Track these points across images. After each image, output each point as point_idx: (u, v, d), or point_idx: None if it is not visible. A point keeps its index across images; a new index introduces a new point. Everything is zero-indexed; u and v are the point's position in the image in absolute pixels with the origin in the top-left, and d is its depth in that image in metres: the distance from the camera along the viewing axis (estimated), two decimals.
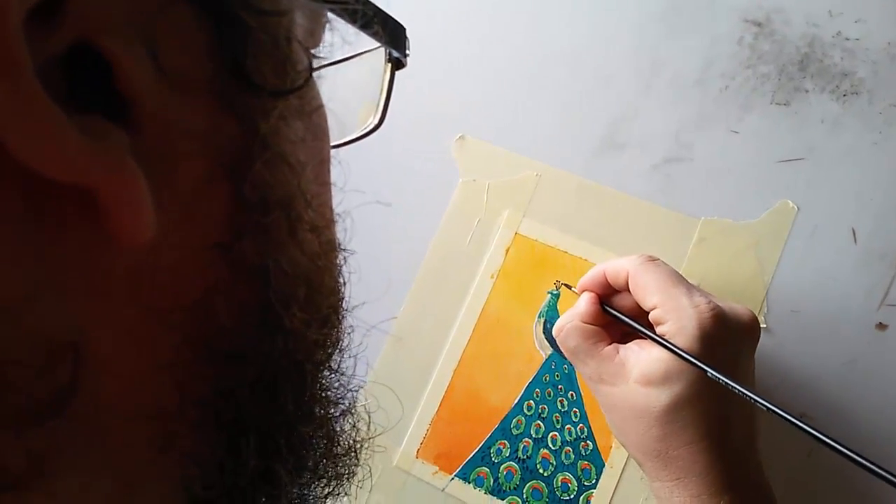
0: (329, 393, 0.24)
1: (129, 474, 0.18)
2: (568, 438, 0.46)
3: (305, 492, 0.24)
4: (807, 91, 0.47)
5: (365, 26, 0.21)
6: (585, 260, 0.48)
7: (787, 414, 0.32)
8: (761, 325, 0.44)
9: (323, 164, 0.23)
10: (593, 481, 0.45)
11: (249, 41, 0.17)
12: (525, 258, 0.49)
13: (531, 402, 0.47)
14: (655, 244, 0.47)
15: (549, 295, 0.47)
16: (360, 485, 0.28)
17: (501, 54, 0.53)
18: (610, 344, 0.39)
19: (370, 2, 0.21)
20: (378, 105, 0.29)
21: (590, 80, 0.51)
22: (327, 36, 0.22)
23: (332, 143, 0.27)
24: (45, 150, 0.13)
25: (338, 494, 0.26)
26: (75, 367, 0.15)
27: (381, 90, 0.28)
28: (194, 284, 0.18)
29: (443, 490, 0.46)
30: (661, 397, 0.35)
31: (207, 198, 0.17)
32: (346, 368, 0.26)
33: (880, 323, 0.43)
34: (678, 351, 0.35)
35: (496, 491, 0.46)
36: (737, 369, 0.37)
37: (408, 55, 0.26)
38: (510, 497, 0.45)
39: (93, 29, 0.14)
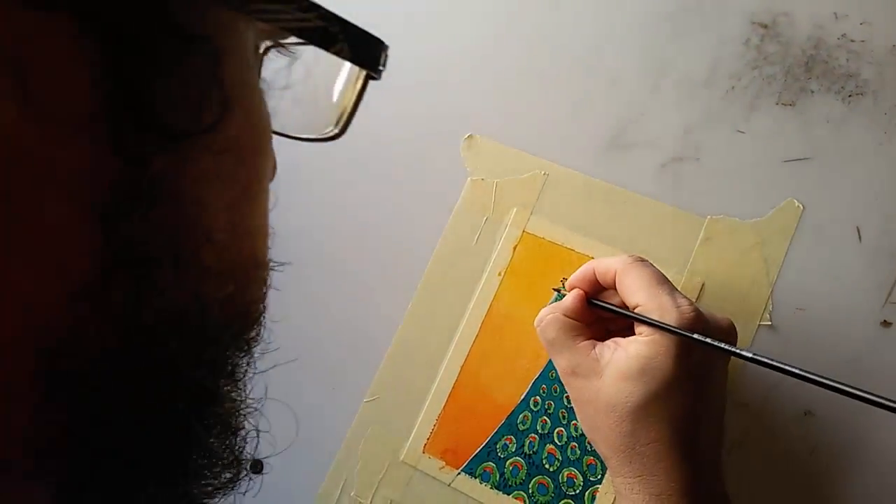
0: (211, 421, 0.23)
1: None
2: (574, 434, 0.46)
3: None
4: (812, 92, 0.48)
5: (326, 45, 0.20)
6: (592, 257, 0.48)
7: (768, 358, 0.34)
8: (766, 323, 0.45)
9: (245, 195, 0.21)
10: (599, 476, 0.45)
11: (154, 71, 0.16)
12: (532, 256, 0.49)
13: (537, 398, 0.47)
14: (662, 242, 0.48)
15: (556, 293, 0.48)
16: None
17: (510, 54, 0.53)
18: (588, 339, 0.40)
19: (335, 17, 0.20)
20: (342, 114, 0.27)
21: (598, 80, 0.51)
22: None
23: (288, 135, 0.26)
24: None
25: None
26: None
27: (350, 100, 0.26)
28: (50, 326, 0.17)
29: (449, 485, 0.47)
30: (634, 392, 0.36)
31: (70, 243, 0.16)
32: (249, 393, 0.25)
33: (885, 321, 0.44)
34: (665, 325, 0.36)
35: (502, 486, 0.46)
36: (711, 372, 0.38)
37: (381, 70, 0.24)
38: (516, 492, 0.46)
39: None
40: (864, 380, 0.43)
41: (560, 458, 0.46)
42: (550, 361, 0.47)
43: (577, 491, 0.45)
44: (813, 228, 0.46)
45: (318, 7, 0.19)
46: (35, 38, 0.14)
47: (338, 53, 0.21)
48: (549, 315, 0.42)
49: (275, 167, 0.25)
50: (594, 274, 0.42)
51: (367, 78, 0.25)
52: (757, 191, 0.47)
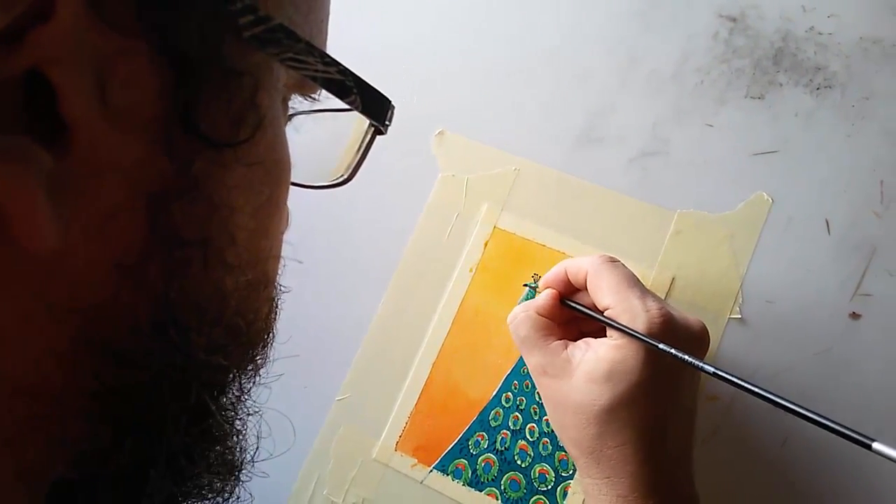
0: (224, 413, 0.26)
1: None
2: (546, 430, 0.46)
3: (182, 499, 0.26)
4: (781, 85, 0.48)
5: (340, 95, 0.24)
6: (563, 253, 0.48)
7: (733, 377, 0.33)
8: (736, 316, 0.45)
9: (267, 208, 0.24)
10: (570, 472, 0.45)
11: (204, 93, 0.20)
12: (504, 252, 0.49)
13: (509, 394, 0.47)
14: (632, 237, 0.47)
15: (527, 288, 0.48)
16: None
17: (481, 50, 0.53)
18: (560, 339, 0.40)
19: (351, 73, 0.24)
20: (351, 162, 0.31)
21: (568, 76, 0.51)
22: None
23: (302, 184, 0.29)
24: None
25: None
26: None
27: (358, 149, 0.31)
28: (93, 293, 0.20)
29: (421, 482, 0.46)
30: (602, 395, 0.36)
31: (121, 223, 0.19)
32: (252, 393, 0.28)
33: (853, 312, 0.44)
34: (632, 332, 0.36)
35: (474, 482, 0.46)
36: (681, 375, 0.38)
37: (388, 125, 0.28)
38: (488, 488, 0.45)
39: (45, 60, 0.16)
40: (833, 372, 0.43)
41: (532, 454, 0.46)
42: (522, 357, 0.47)
43: (550, 487, 0.45)
44: (782, 221, 0.46)
45: (338, 63, 0.23)
46: (118, 53, 0.17)
47: (351, 104, 0.24)
48: (522, 313, 0.41)
49: (288, 217, 0.29)
50: (566, 274, 0.42)
51: (375, 133, 0.29)
52: (726, 184, 0.47)
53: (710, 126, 0.48)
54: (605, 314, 0.39)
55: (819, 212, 0.46)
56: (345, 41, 0.56)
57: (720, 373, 0.34)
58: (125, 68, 0.18)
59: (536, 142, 0.51)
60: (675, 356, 0.35)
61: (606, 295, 0.38)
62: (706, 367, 0.34)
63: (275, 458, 0.49)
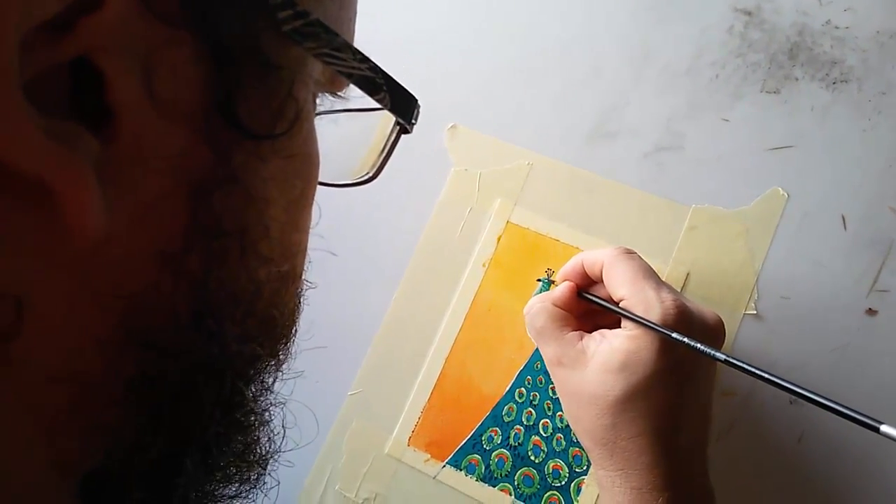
0: (253, 404, 0.26)
1: (33, 427, 0.20)
2: (559, 425, 0.46)
3: (211, 488, 0.26)
4: (797, 79, 0.47)
5: (371, 92, 0.24)
6: (577, 248, 0.48)
7: (744, 363, 0.33)
8: (752, 312, 0.44)
9: (299, 202, 0.25)
10: (584, 468, 0.45)
11: (244, 86, 0.20)
12: (517, 246, 0.49)
13: (522, 389, 0.47)
14: (646, 232, 0.47)
15: (540, 283, 0.47)
16: (265, 494, 0.30)
17: (493, 44, 0.53)
18: (576, 330, 0.40)
19: (382, 70, 0.24)
20: (376, 160, 0.31)
21: (581, 70, 0.51)
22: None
23: (328, 183, 0.30)
24: (4, 139, 0.15)
25: (244, 497, 0.28)
26: (16, 318, 0.17)
27: (383, 148, 0.31)
28: (135, 280, 0.20)
29: (434, 477, 0.46)
30: (616, 386, 0.36)
31: (164, 212, 0.20)
32: (277, 385, 0.28)
33: (870, 308, 0.43)
34: (646, 322, 0.36)
35: (488, 478, 0.46)
36: (696, 367, 0.37)
37: (413, 124, 0.28)
38: (501, 484, 0.45)
39: (95, 48, 0.17)
40: (850, 368, 0.43)
41: (546, 449, 0.46)
42: (536, 352, 0.47)
43: (563, 482, 0.45)
44: (798, 216, 0.46)
45: (369, 60, 0.23)
46: (164, 43, 0.18)
47: (380, 101, 0.25)
48: (539, 304, 0.42)
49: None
50: (582, 266, 0.42)
51: (401, 131, 0.29)
52: (741, 179, 0.47)
53: (726, 121, 0.48)
54: (619, 305, 0.39)
55: (835, 207, 0.45)
56: (357, 35, 0.56)
57: (731, 360, 0.33)
58: (170, 58, 0.18)
59: (550, 136, 0.50)
60: (688, 345, 0.35)
61: (621, 286, 0.38)
62: (717, 354, 0.34)
63: (301, 448, 0.49)
